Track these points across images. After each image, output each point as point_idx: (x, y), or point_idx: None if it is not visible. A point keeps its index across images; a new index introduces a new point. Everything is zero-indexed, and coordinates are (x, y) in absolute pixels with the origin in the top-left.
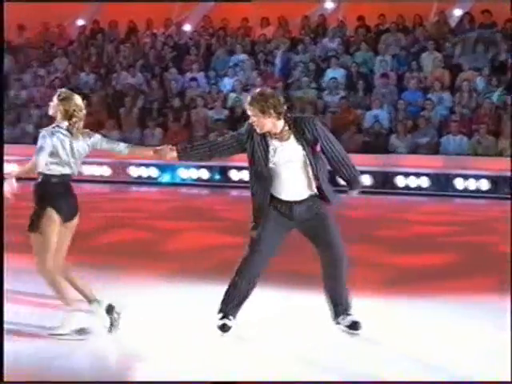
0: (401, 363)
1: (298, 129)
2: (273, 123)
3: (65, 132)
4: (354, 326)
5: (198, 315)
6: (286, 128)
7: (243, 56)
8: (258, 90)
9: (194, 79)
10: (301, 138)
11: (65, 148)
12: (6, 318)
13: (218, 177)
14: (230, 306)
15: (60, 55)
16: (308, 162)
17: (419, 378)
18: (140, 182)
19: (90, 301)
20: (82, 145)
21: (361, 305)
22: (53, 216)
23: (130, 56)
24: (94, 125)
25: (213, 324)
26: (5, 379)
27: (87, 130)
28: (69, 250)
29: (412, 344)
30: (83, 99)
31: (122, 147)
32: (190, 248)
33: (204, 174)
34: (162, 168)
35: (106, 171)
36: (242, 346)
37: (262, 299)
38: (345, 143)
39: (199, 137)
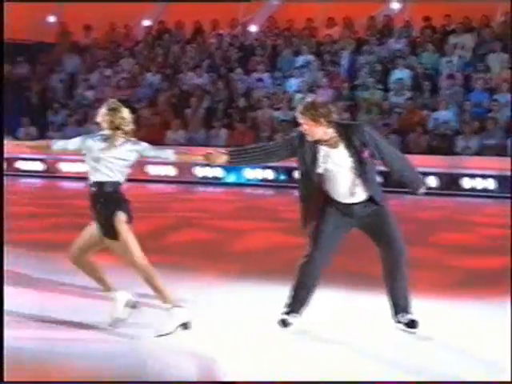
0: (465, 364)
1: (347, 136)
2: (323, 131)
3: (103, 140)
4: (411, 324)
5: (263, 314)
6: (336, 135)
7: (309, 57)
8: (309, 99)
9: (259, 80)
10: (349, 144)
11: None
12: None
13: (283, 177)
14: (293, 302)
15: (126, 55)
16: (356, 168)
17: (481, 379)
18: (205, 182)
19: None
20: (124, 153)
21: (426, 306)
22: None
23: (196, 56)
24: (159, 125)
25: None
26: (5, 379)
27: (133, 139)
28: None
29: (477, 345)
30: (149, 105)
31: (168, 154)
32: (256, 248)
33: (269, 174)
34: (228, 168)
35: (171, 171)
36: (306, 346)
37: (324, 300)
38: (410, 144)
39: (265, 138)
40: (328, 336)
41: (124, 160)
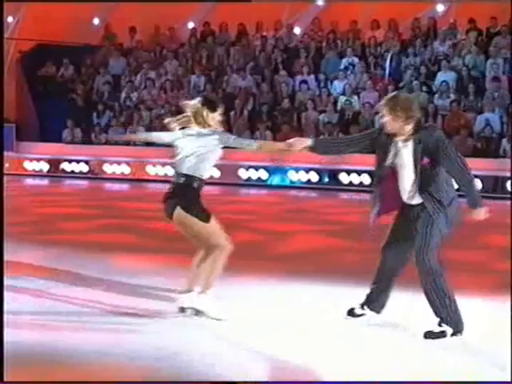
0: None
1: (421, 137)
2: (400, 126)
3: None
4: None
5: (308, 316)
6: (412, 133)
7: (353, 59)
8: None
9: (304, 82)
10: (418, 146)
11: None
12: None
13: (327, 179)
14: (368, 297)
15: (170, 58)
16: (414, 170)
17: None
18: (250, 184)
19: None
20: (211, 143)
21: (473, 309)
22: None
23: (240, 58)
24: None
25: (325, 323)
26: (5, 379)
27: (219, 130)
28: (183, 252)
29: None
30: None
31: (252, 143)
32: (299, 250)
33: (313, 176)
34: (272, 170)
35: (215, 173)
36: (357, 345)
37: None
38: (455, 147)
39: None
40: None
41: (211, 151)
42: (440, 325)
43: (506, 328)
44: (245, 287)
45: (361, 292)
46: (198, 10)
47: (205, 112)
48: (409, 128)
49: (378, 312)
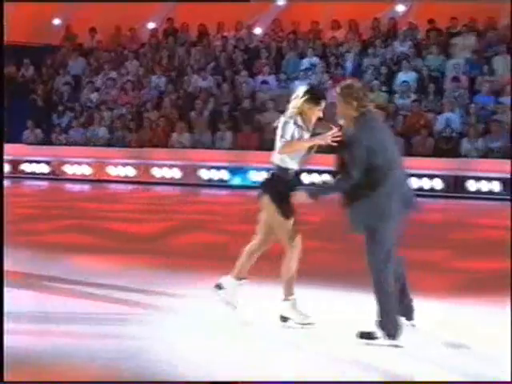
0: (466, 364)
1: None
2: (350, 113)
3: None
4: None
5: (270, 317)
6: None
7: (314, 59)
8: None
9: (265, 82)
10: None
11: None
12: None
13: None
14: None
15: (131, 58)
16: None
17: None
18: (211, 184)
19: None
20: None
21: (428, 309)
22: None
23: (201, 59)
24: (164, 127)
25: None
26: (5, 379)
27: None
28: (141, 252)
29: (480, 348)
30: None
31: None
32: (263, 251)
33: None
34: (233, 171)
35: (176, 174)
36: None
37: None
38: (416, 147)
39: (270, 140)
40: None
41: None
42: (377, 327)
43: (463, 326)
44: (210, 288)
45: (326, 293)
46: (159, 11)
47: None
48: (356, 116)
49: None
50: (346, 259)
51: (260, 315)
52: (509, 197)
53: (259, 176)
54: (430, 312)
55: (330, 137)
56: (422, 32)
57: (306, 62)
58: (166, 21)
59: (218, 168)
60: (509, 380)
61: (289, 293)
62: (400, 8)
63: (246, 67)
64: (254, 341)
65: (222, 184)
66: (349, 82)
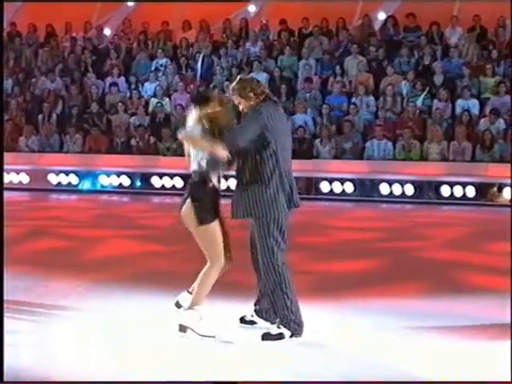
0: (331, 369)
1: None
2: (253, 104)
3: None
4: None
5: (123, 324)
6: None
7: (165, 60)
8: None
9: (114, 84)
10: None
11: None
12: None
13: (139, 183)
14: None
15: None
16: None
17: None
18: (60, 189)
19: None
20: None
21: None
22: None
23: (48, 60)
24: (12, 131)
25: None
26: (5, 379)
27: None
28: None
29: (338, 351)
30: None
31: None
32: (112, 257)
33: (125, 180)
34: (82, 175)
35: (24, 178)
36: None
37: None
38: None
39: (120, 143)
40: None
41: None
42: (279, 326)
43: (322, 330)
44: (58, 294)
45: (173, 297)
46: (5, 10)
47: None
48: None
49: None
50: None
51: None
52: (361, 198)
53: (109, 180)
54: None
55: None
56: (274, 32)
57: (156, 64)
58: (10, 25)
59: (67, 172)
60: (509, 380)
61: (195, 303)
62: (252, 8)
63: (95, 69)
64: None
65: (71, 188)
66: (237, 78)
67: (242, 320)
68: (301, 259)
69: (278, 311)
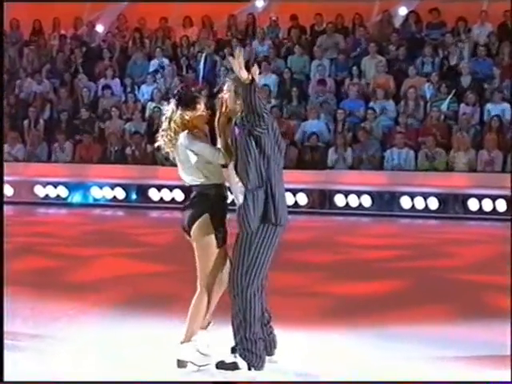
0: None
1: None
2: (238, 106)
3: None
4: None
5: (118, 353)
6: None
7: (163, 60)
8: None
9: (107, 87)
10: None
11: None
12: None
13: (135, 196)
14: None
15: None
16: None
17: None
18: (48, 202)
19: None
20: None
21: (296, 337)
22: None
23: (34, 60)
24: None
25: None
26: (5, 379)
27: None
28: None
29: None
30: None
31: None
32: (106, 277)
33: (120, 193)
34: (72, 187)
35: (8, 191)
36: None
37: None
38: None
39: (114, 152)
40: None
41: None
42: (235, 356)
43: (336, 356)
44: (46, 318)
45: (173, 323)
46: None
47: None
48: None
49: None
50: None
51: None
52: (380, 212)
53: (101, 192)
54: (295, 344)
55: None
56: (284, 30)
57: (153, 64)
58: None
59: (55, 184)
60: (509, 380)
61: (190, 334)
62: (259, 3)
63: (86, 70)
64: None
65: (59, 202)
66: None
67: (235, 350)
68: (312, 280)
69: (235, 337)
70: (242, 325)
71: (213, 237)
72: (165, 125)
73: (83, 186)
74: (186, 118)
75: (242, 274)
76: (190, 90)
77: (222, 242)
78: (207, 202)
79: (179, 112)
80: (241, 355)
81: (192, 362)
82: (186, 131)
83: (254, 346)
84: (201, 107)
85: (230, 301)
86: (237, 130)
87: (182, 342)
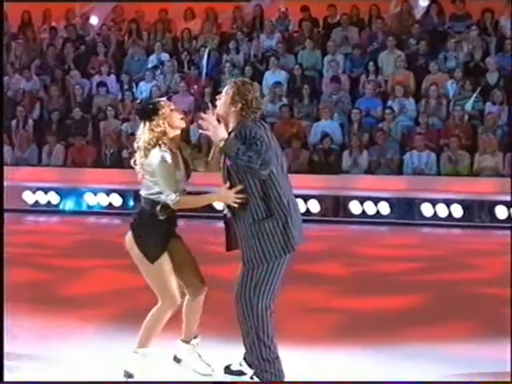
0: None
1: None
2: (230, 112)
3: None
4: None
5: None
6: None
7: (163, 55)
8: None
9: (102, 84)
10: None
11: None
12: None
13: (132, 203)
14: None
15: None
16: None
17: None
18: (37, 209)
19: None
20: None
21: (308, 356)
22: None
23: (23, 55)
24: None
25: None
26: (5, 379)
27: None
28: None
29: None
30: None
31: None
32: (101, 291)
33: (116, 199)
34: (64, 193)
35: None
36: None
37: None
38: (286, 161)
39: (109, 155)
40: None
41: None
42: (252, 377)
43: (350, 376)
44: (36, 335)
45: (171, 339)
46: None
47: None
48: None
49: None
50: None
51: None
52: (400, 220)
53: (96, 199)
54: (307, 363)
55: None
56: (294, 22)
57: (152, 59)
58: None
59: (46, 189)
60: (509, 380)
61: (142, 345)
62: None
63: (79, 65)
64: None
65: (50, 209)
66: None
67: (227, 370)
68: (324, 294)
69: (251, 359)
70: (255, 344)
71: (141, 255)
72: (135, 145)
73: (76, 192)
74: (157, 130)
75: (250, 289)
76: (148, 100)
77: (153, 258)
78: (147, 220)
79: (147, 127)
80: (258, 376)
81: (196, 371)
82: (158, 149)
83: (271, 366)
84: (166, 111)
85: (239, 320)
86: (228, 162)
87: (133, 351)
